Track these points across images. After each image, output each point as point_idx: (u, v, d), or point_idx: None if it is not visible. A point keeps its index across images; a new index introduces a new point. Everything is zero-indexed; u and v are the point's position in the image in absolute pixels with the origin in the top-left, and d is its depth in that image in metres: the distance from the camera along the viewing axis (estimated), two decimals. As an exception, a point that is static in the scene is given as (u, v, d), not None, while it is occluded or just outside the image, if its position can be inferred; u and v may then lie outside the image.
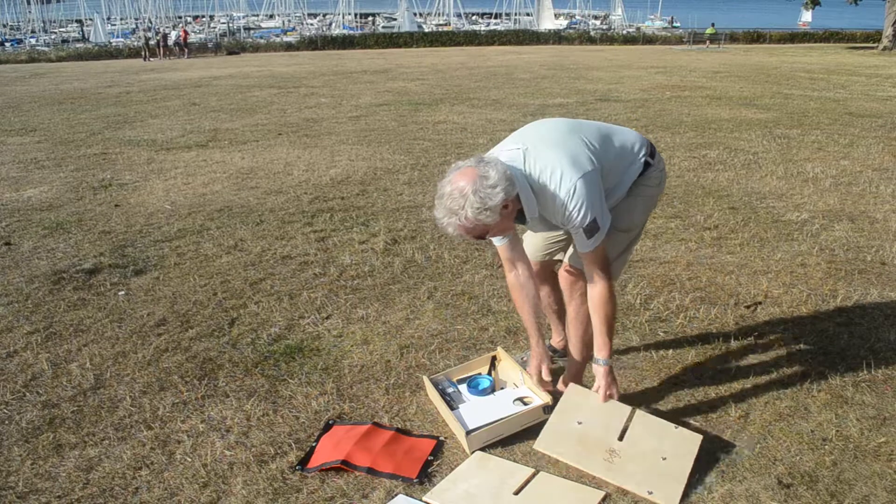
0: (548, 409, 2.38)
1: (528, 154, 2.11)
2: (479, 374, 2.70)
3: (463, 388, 2.62)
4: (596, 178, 2.11)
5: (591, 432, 2.27)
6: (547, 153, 2.11)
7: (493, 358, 2.76)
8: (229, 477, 2.21)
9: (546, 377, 2.49)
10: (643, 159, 2.32)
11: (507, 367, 2.69)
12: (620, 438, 2.25)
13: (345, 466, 2.21)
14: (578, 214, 2.08)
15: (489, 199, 1.97)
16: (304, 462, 2.27)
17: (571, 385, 2.45)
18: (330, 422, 2.48)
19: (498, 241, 2.38)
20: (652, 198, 2.40)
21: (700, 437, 2.26)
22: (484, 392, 2.57)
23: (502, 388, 2.61)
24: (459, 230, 2.03)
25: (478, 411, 2.46)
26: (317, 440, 2.37)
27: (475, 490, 2.11)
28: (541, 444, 2.24)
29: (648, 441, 2.24)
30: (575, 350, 2.49)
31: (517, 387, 2.59)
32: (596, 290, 2.24)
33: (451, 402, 2.52)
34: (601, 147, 2.21)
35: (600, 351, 2.32)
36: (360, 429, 2.40)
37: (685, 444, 2.23)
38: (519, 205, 2.11)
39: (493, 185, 1.98)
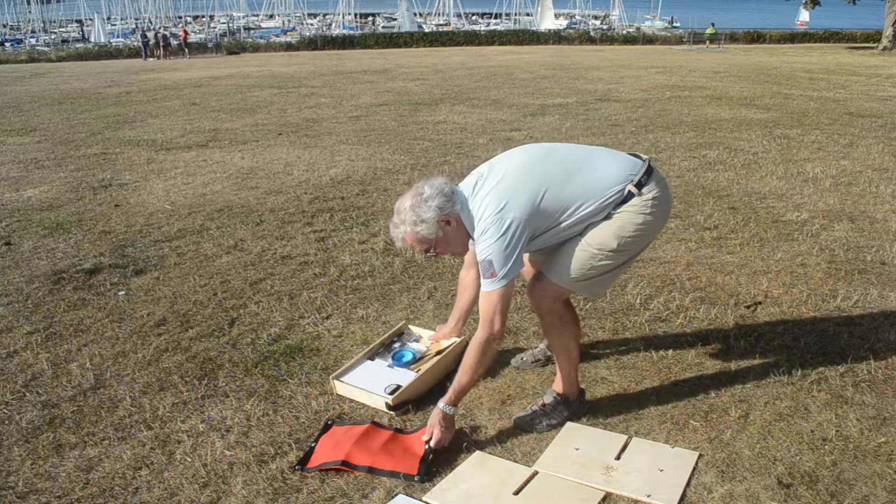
0: (389, 406, 2.52)
1: (478, 183, 2.24)
2: (407, 347, 2.88)
3: (406, 353, 2.84)
4: (511, 226, 2.11)
5: (588, 455, 2.28)
6: (488, 187, 2.21)
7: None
8: (229, 477, 2.21)
9: (434, 339, 2.90)
10: (618, 193, 2.21)
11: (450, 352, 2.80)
12: (617, 458, 2.26)
13: (345, 467, 2.21)
14: (480, 248, 2.17)
15: (423, 213, 2.18)
16: (303, 462, 2.27)
17: (568, 424, 2.45)
18: (329, 422, 2.48)
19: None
20: (633, 224, 2.22)
21: (696, 454, 2.26)
22: (402, 364, 2.76)
23: (419, 361, 2.79)
24: (404, 243, 2.25)
25: (371, 372, 2.71)
26: (316, 440, 2.37)
27: (475, 490, 2.11)
28: (540, 465, 2.24)
29: (645, 459, 2.25)
30: (558, 358, 2.49)
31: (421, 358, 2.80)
32: (476, 335, 2.21)
33: (374, 353, 2.84)
34: (557, 185, 2.18)
35: (447, 395, 2.27)
36: (358, 429, 2.40)
37: (682, 459, 2.24)
38: (462, 229, 2.25)
39: (425, 200, 2.18)
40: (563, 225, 2.24)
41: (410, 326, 3.02)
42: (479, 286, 2.59)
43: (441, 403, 2.28)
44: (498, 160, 2.32)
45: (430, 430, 2.28)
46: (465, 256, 2.62)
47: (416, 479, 2.17)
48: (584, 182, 2.22)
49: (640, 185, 2.22)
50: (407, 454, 2.27)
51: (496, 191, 2.18)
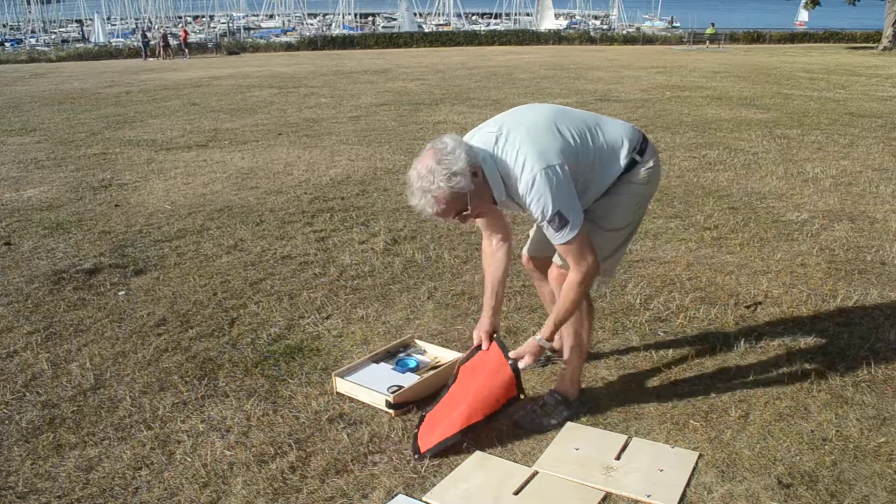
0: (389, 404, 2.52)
1: (500, 138, 2.13)
2: (411, 355, 2.89)
3: (410, 360, 2.85)
4: (560, 173, 2.08)
5: (588, 455, 2.28)
6: (516, 141, 2.11)
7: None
8: (229, 477, 2.21)
9: (484, 345, 2.51)
10: (627, 158, 2.26)
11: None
12: (618, 458, 2.26)
13: (464, 436, 2.28)
14: (538, 208, 2.08)
15: (454, 164, 2.01)
16: (416, 450, 2.29)
17: (568, 424, 2.43)
18: (423, 415, 2.47)
19: None
20: (638, 195, 2.32)
21: (696, 454, 2.25)
22: (404, 369, 2.76)
23: (422, 368, 2.79)
24: (438, 206, 2.04)
25: (373, 373, 2.73)
26: (417, 427, 2.40)
27: (475, 490, 2.11)
28: (540, 465, 2.24)
29: (645, 459, 2.25)
30: (568, 352, 2.49)
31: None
32: (570, 277, 2.21)
33: (379, 358, 2.84)
34: (580, 140, 2.18)
35: (544, 330, 2.29)
36: (447, 400, 2.44)
37: (682, 460, 2.23)
38: (488, 185, 2.12)
39: (451, 151, 2.02)
40: (584, 190, 2.24)
41: (417, 340, 3.02)
42: (507, 256, 2.48)
43: (538, 336, 2.30)
44: (511, 116, 2.24)
45: (519, 353, 2.32)
46: (483, 227, 2.47)
47: (521, 397, 2.34)
48: (600, 139, 2.24)
49: (641, 153, 2.29)
50: (497, 382, 2.34)
51: (531, 142, 2.10)
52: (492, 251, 2.49)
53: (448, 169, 2.00)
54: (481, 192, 2.10)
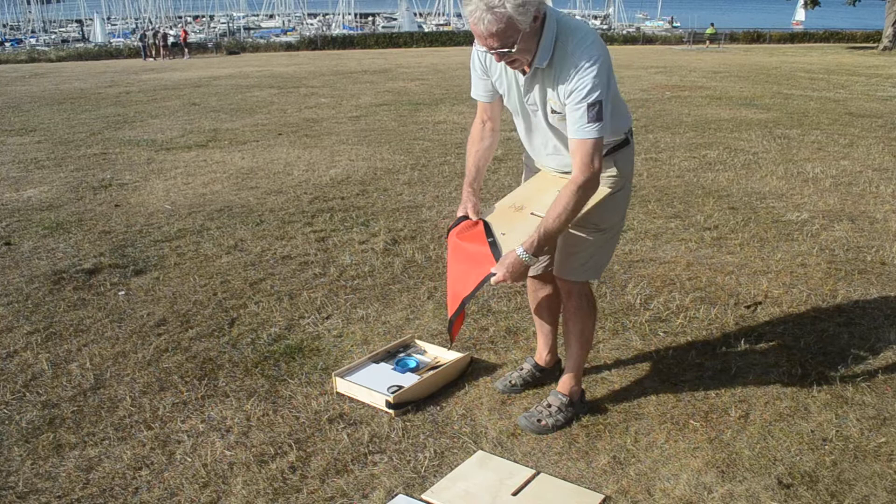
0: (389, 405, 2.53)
1: (565, 16, 2.09)
2: (412, 355, 2.90)
3: (410, 360, 2.86)
4: (613, 78, 2.07)
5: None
6: (583, 27, 2.08)
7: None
8: (229, 477, 2.21)
9: (473, 215, 2.35)
10: (627, 130, 2.30)
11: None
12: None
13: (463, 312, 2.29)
14: (588, 85, 1.99)
15: None
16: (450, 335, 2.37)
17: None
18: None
19: (481, 96, 2.38)
20: (628, 190, 2.35)
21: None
22: (404, 369, 2.76)
23: (422, 368, 2.79)
24: (495, 26, 1.91)
25: (373, 373, 2.74)
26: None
27: (474, 489, 2.11)
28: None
29: None
30: (572, 348, 2.47)
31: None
32: (573, 179, 2.06)
33: (379, 358, 2.86)
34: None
35: (526, 241, 2.10)
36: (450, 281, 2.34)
37: None
38: (537, 39, 2.02)
39: None
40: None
41: (417, 340, 3.03)
42: (493, 146, 2.45)
43: (519, 248, 2.11)
44: None
45: (498, 268, 2.13)
46: (480, 113, 2.43)
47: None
48: (620, 101, 2.26)
49: (631, 134, 2.33)
50: (475, 270, 2.20)
51: (591, 32, 2.06)
52: (481, 136, 2.44)
53: None
54: (530, 40, 2.00)
